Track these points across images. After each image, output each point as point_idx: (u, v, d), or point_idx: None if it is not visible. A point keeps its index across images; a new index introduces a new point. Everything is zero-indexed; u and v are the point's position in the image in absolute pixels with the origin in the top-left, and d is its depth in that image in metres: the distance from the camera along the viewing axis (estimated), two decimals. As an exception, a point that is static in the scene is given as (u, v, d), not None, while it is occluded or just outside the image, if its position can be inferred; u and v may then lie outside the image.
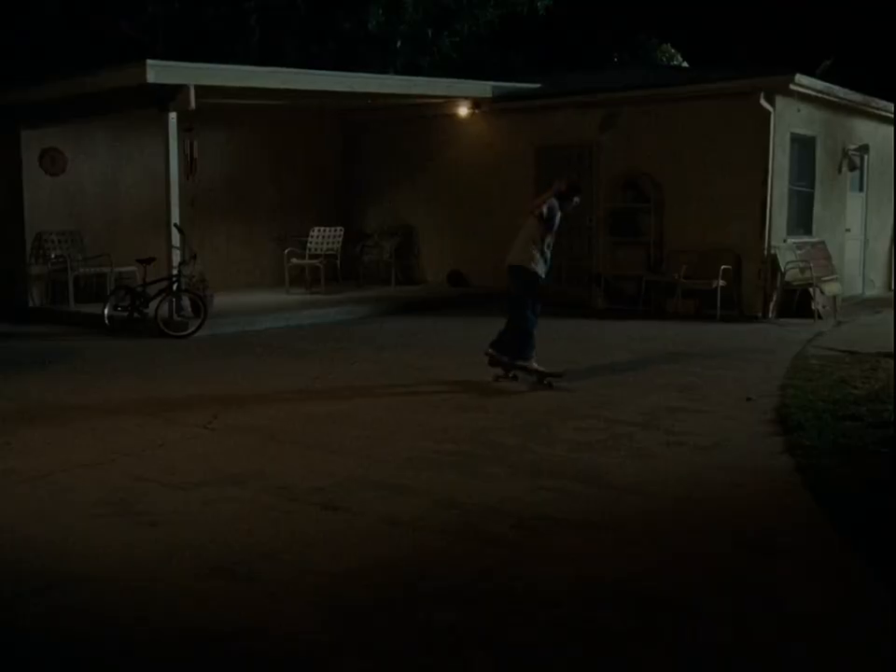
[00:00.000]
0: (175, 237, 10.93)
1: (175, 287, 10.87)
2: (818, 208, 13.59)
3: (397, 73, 18.19)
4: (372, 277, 15.31)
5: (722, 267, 12.09)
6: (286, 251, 14.15)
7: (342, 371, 8.73)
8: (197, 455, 5.77)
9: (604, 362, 8.22)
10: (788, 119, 12.52)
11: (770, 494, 5.02)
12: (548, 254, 7.86)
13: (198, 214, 12.68)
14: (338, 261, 14.25)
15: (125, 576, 3.92)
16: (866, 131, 14.70)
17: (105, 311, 11.01)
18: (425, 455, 5.73)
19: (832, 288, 12.64)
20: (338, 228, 14.43)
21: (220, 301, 11.75)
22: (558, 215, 7.81)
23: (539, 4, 20.07)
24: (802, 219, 13.29)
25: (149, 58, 10.80)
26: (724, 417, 6.69)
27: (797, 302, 12.38)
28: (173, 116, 10.82)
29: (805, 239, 13.15)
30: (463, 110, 14.48)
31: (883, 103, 14.62)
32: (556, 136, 13.85)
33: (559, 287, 14.14)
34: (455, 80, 14.63)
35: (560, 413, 6.83)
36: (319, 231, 14.40)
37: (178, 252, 10.96)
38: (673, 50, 27.59)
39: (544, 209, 7.64)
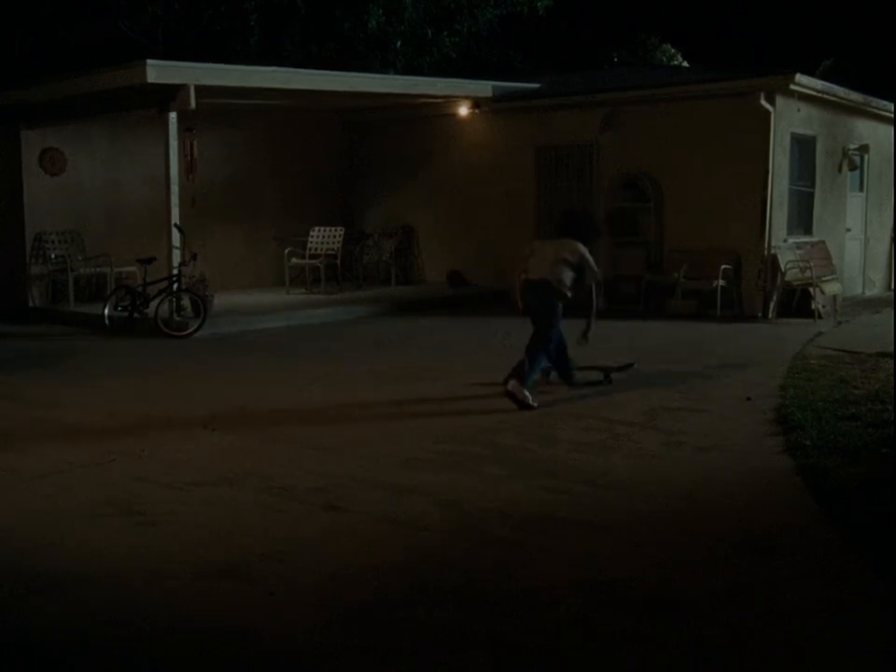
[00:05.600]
0: (176, 237, 10.94)
1: (175, 286, 10.88)
2: (818, 208, 13.58)
3: (397, 73, 18.19)
4: (372, 277, 15.31)
5: (722, 267, 12.09)
6: (286, 251, 14.15)
7: (341, 371, 8.73)
8: (197, 456, 5.77)
9: (603, 363, 8.21)
10: (788, 118, 12.52)
11: (770, 494, 5.02)
12: None
13: (198, 214, 12.68)
14: (338, 261, 14.25)
15: (125, 576, 3.92)
16: (866, 131, 14.70)
17: (105, 311, 11.01)
18: (424, 455, 5.72)
19: (832, 288, 12.64)
20: (338, 228, 14.44)
21: (220, 300, 11.76)
22: None
23: (539, 4, 20.07)
24: (802, 219, 13.28)
25: (149, 58, 10.81)
26: (724, 417, 6.69)
27: (797, 302, 12.38)
28: (173, 116, 10.83)
29: (805, 239, 13.14)
30: (463, 110, 14.47)
31: (883, 103, 14.62)
32: (556, 136, 13.84)
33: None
34: (456, 80, 14.63)
35: (560, 414, 6.83)
36: (319, 230, 14.41)
37: (178, 252, 10.96)
38: (673, 50, 27.63)
39: None
